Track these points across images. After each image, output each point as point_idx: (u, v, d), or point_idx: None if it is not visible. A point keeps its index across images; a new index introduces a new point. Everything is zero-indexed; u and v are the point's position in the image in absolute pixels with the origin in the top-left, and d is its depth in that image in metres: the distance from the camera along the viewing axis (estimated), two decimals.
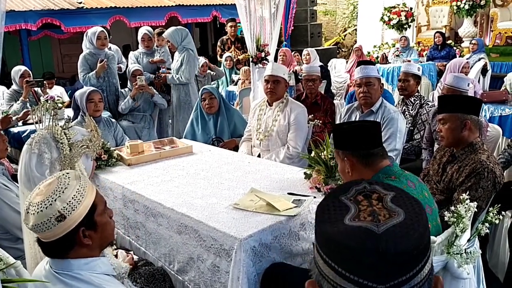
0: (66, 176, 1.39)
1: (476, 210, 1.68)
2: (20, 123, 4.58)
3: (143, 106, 4.84)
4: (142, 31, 5.42)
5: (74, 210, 1.32)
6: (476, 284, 1.85)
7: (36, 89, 4.84)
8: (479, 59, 7.07)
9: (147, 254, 2.43)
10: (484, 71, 6.92)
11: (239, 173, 2.70)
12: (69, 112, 4.18)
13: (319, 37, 11.34)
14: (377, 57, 9.19)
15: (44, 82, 5.36)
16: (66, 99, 6.18)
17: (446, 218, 1.65)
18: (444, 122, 2.39)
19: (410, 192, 1.66)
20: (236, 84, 6.69)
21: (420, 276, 0.69)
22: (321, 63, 6.95)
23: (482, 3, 8.79)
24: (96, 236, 1.39)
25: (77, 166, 1.89)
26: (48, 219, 1.29)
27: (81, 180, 1.40)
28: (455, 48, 8.67)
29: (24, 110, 4.55)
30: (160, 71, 5.28)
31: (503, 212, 1.71)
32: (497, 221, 1.68)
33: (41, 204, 1.31)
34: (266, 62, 4.78)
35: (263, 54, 4.84)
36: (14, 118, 4.53)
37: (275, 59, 5.99)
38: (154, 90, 4.90)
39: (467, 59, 6.48)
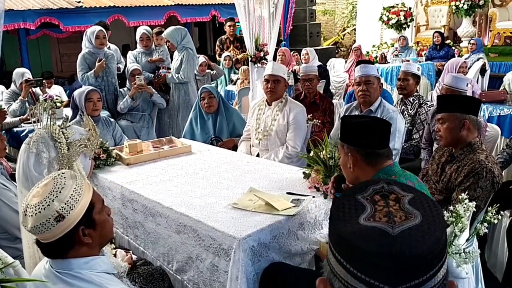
0: (61, 176, 1.39)
1: (474, 209, 1.68)
2: (22, 124, 4.57)
3: (142, 106, 4.83)
4: (140, 30, 5.42)
5: (72, 209, 1.32)
6: (474, 284, 1.85)
7: (34, 89, 4.83)
8: (478, 59, 7.08)
9: (146, 253, 2.43)
10: (482, 71, 6.93)
11: (238, 173, 2.70)
12: (68, 112, 4.18)
13: (318, 37, 11.35)
14: (376, 57, 9.19)
15: (44, 81, 5.35)
16: (65, 98, 6.17)
17: (445, 218, 1.65)
18: (443, 122, 2.40)
19: None
20: (235, 84, 6.68)
21: (434, 281, 0.68)
22: (320, 63, 6.96)
23: (481, 3, 8.80)
24: (96, 234, 1.39)
25: (75, 165, 1.89)
26: (46, 220, 1.29)
27: (77, 179, 1.40)
28: (454, 48, 8.68)
29: (28, 111, 4.54)
30: (160, 71, 5.27)
31: (501, 212, 1.71)
32: (495, 221, 1.68)
33: (38, 205, 1.30)
34: (265, 61, 4.78)
35: (262, 54, 4.84)
36: (17, 118, 4.52)
37: (274, 59, 5.99)
38: (153, 90, 4.90)
39: (465, 59, 6.48)
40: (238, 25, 6.49)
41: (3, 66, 9.94)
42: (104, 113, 4.32)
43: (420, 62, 7.61)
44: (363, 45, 9.19)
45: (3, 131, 4.36)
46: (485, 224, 1.67)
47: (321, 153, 2.39)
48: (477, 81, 6.57)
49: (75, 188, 1.36)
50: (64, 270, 1.34)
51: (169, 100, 5.28)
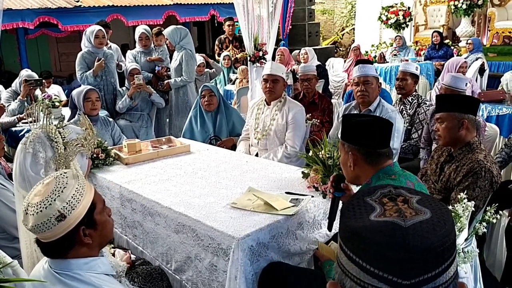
0: (64, 175, 1.38)
1: (473, 209, 1.68)
2: (20, 123, 4.56)
3: (141, 105, 4.83)
4: (139, 30, 5.41)
5: (74, 209, 1.32)
6: (473, 283, 1.85)
7: (33, 89, 4.82)
8: (477, 59, 7.08)
9: (145, 253, 2.43)
10: (481, 70, 6.94)
11: (237, 172, 2.69)
12: (67, 111, 4.17)
13: (317, 36, 11.34)
14: (374, 56, 9.20)
15: (44, 81, 5.34)
16: (64, 98, 6.17)
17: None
18: (442, 121, 2.40)
19: None
20: (233, 83, 6.68)
21: (445, 276, 0.68)
22: (319, 62, 6.96)
23: (480, 2, 8.81)
24: (96, 235, 1.39)
25: (72, 165, 1.88)
26: (48, 219, 1.29)
27: (79, 179, 1.40)
28: (452, 47, 8.69)
29: (25, 111, 4.53)
30: (156, 68, 5.27)
31: (500, 211, 1.71)
32: (494, 220, 1.69)
33: (40, 204, 1.30)
34: (264, 61, 4.77)
35: (261, 53, 4.84)
36: (14, 117, 4.51)
37: (273, 58, 5.99)
38: (152, 89, 4.89)
39: (464, 58, 6.48)
40: (237, 25, 6.49)
41: (2, 66, 9.94)
42: (103, 113, 4.31)
43: (419, 61, 7.62)
44: (362, 45, 9.19)
45: (1, 131, 4.36)
46: (484, 223, 1.67)
47: (320, 152, 2.38)
48: (476, 81, 6.57)
49: (77, 188, 1.35)
50: (63, 271, 1.33)
51: (168, 100, 5.28)
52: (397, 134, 3.05)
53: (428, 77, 7.61)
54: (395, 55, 8.23)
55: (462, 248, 1.61)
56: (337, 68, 8.38)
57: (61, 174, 1.39)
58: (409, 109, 3.77)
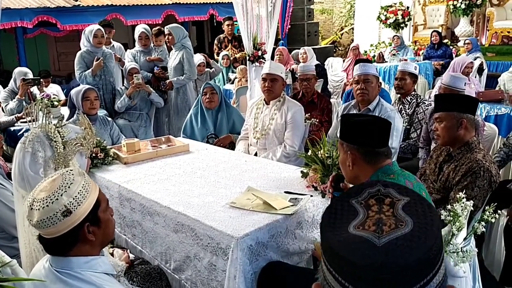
0: (70, 172, 1.39)
1: (472, 209, 1.68)
2: (18, 122, 4.55)
3: (140, 105, 4.82)
4: (139, 29, 5.41)
5: (80, 205, 1.32)
6: (472, 283, 1.86)
7: (31, 89, 4.81)
8: (475, 58, 7.09)
9: (144, 252, 2.43)
10: (480, 70, 6.95)
11: (236, 172, 2.69)
12: (65, 111, 4.17)
13: (316, 36, 11.34)
14: (373, 56, 9.20)
15: (41, 80, 5.33)
16: (62, 97, 6.16)
17: (442, 217, 1.66)
18: (440, 121, 2.40)
19: None
20: (232, 83, 6.68)
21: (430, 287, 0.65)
22: (317, 62, 6.95)
23: (479, 2, 8.81)
24: (99, 233, 1.39)
25: (72, 164, 1.89)
26: (54, 214, 1.29)
27: (85, 176, 1.41)
28: (451, 47, 8.70)
29: (24, 110, 4.53)
30: (155, 69, 5.27)
31: (499, 211, 1.71)
32: (493, 220, 1.69)
33: (46, 199, 1.30)
34: (263, 60, 4.77)
35: (260, 53, 4.84)
36: (12, 117, 4.51)
37: (272, 58, 5.98)
38: (151, 89, 4.89)
39: None
40: (236, 24, 6.48)
41: (1, 65, 9.91)
42: (102, 112, 4.31)
43: (417, 61, 7.62)
44: (361, 44, 9.19)
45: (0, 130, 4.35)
46: (483, 223, 1.67)
47: (319, 152, 2.39)
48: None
49: (83, 185, 1.36)
50: (63, 270, 1.33)
51: (167, 99, 5.28)
52: (396, 133, 3.05)
53: (427, 76, 7.61)
54: (394, 54, 8.24)
55: (461, 248, 1.61)
56: (336, 68, 8.38)
57: (67, 171, 1.40)
58: (408, 109, 3.77)
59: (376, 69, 3.43)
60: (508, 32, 8.85)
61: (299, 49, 7.49)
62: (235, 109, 4.13)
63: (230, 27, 7.23)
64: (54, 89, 6.42)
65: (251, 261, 1.87)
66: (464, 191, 1.81)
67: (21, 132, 4.30)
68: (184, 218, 2.08)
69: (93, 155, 2.84)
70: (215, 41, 7.43)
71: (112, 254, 2.10)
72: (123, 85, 4.94)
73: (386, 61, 8.21)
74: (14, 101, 4.62)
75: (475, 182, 2.23)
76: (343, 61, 8.51)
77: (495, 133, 3.65)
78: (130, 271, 2.03)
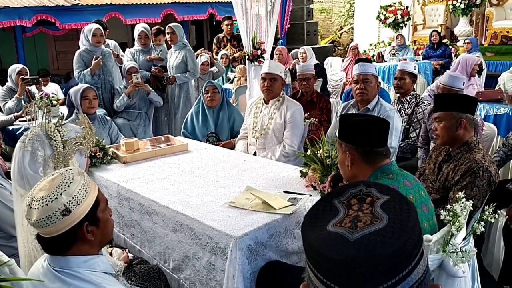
0: (69, 172, 1.39)
1: (471, 208, 1.68)
2: (17, 121, 4.54)
3: (139, 104, 4.82)
4: (138, 28, 5.40)
5: (79, 204, 1.32)
6: (471, 282, 1.86)
7: (29, 87, 4.81)
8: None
9: (142, 252, 2.42)
10: (479, 70, 6.95)
11: (235, 171, 2.69)
12: (64, 110, 4.16)
13: (315, 35, 11.33)
14: (373, 56, 9.19)
15: (40, 79, 5.32)
16: (61, 96, 6.14)
17: (442, 217, 1.66)
18: (440, 121, 2.40)
19: (407, 191, 1.66)
20: (231, 82, 6.67)
21: (406, 284, 0.66)
22: (317, 61, 6.95)
23: (478, 2, 8.81)
24: (98, 233, 1.39)
25: (71, 163, 1.88)
26: (53, 213, 1.28)
27: (84, 176, 1.41)
28: (450, 47, 8.70)
29: (23, 109, 4.52)
30: (152, 68, 5.27)
31: (498, 211, 1.71)
32: (492, 220, 1.69)
33: (45, 198, 1.30)
34: (262, 60, 4.76)
35: (259, 52, 4.83)
36: (11, 116, 4.50)
37: (271, 57, 5.98)
38: (150, 88, 4.89)
39: None
40: (235, 24, 6.47)
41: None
42: (101, 111, 4.30)
43: (417, 61, 7.62)
44: (361, 44, 9.18)
45: None
46: (482, 223, 1.67)
47: (318, 151, 2.38)
48: None
49: (83, 184, 1.36)
50: (62, 269, 1.33)
51: (167, 99, 5.29)
52: (395, 133, 3.05)
53: (426, 76, 7.62)
54: (393, 54, 8.24)
55: (460, 248, 1.61)
56: (335, 67, 8.38)
57: (66, 170, 1.40)
58: (407, 108, 3.77)
59: (376, 68, 3.43)
60: (507, 32, 8.85)
61: (298, 48, 7.49)
62: (236, 108, 4.14)
63: (229, 26, 7.23)
64: (53, 88, 6.40)
65: (250, 261, 1.87)
66: (463, 191, 1.81)
67: (19, 131, 4.29)
68: (183, 217, 2.07)
69: (92, 154, 2.84)
70: (214, 41, 7.43)
71: (110, 254, 2.10)
72: (122, 84, 4.94)
73: (386, 61, 8.21)
74: (12, 100, 4.61)
75: (474, 182, 2.23)
76: (343, 60, 8.51)
77: (494, 132, 3.65)
78: (128, 271, 2.03)
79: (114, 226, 2.58)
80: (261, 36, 4.83)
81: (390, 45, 9.30)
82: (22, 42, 8.50)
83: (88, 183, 1.39)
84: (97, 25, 4.78)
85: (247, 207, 2.08)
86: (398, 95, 3.94)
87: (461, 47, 8.60)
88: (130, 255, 2.23)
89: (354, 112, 3.29)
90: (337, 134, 1.95)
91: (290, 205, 2.09)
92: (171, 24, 5.19)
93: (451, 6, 9.10)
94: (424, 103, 3.74)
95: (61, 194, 1.31)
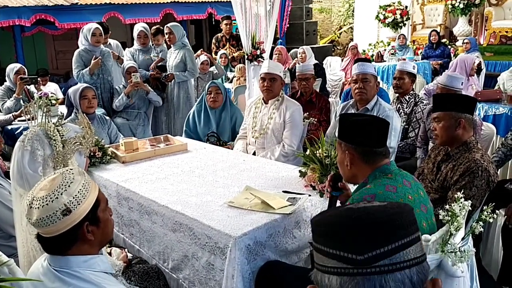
0: (70, 171, 1.39)
1: (470, 208, 1.68)
2: (16, 121, 4.54)
3: (138, 104, 4.82)
4: (138, 28, 5.40)
5: (79, 204, 1.32)
6: (469, 282, 1.86)
7: (28, 87, 4.80)
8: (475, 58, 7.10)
9: (141, 252, 2.42)
10: (478, 70, 6.95)
11: (234, 171, 2.69)
12: (63, 109, 4.16)
13: (314, 35, 11.33)
14: (372, 55, 9.20)
15: (38, 79, 5.31)
16: (60, 96, 6.13)
17: (440, 217, 1.66)
18: (439, 121, 2.40)
19: (406, 191, 1.67)
20: (231, 82, 6.67)
21: (403, 256, 0.72)
22: (316, 61, 6.95)
23: (477, 2, 8.81)
24: (98, 232, 1.39)
25: (70, 163, 1.88)
26: (53, 213, 1.28)
27: (85, 175, 1.41)
28: (449, 47, 8.70)
29: (22, 108, 4.51)
30: (151, 67, 5.27)
31: (496, 211, 1.71)
32: (491, 220, 1.69)
33: (46, 198, 1.30)
34: (262, 59, 4.77)
35: (258, 52, 4.83)
36: (9, 115, 4.49)
37: (271, 57, 5.98)
38: (149, 88, 4.89)
39: None
40: (234, 23, 6.47)
41: None
42: (100, 111, 4.30)
43: (416, 60, 7.63)
44: (361, 44, 9.18)
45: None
46: (481, 223, 1.67)
47: (317, 151, 2.38)
48: None
49: (83, 184, 1.36)
50: (62, 268, 1.33)
51: (167, 98, 5.28)
52: (394, 133, 3.05)
53: (425, 76, 7.63)
54: (392, 54, 8.24)
55: (459, 248, 1.61)
56: (334, 67, 8.38)
57: (67, 170, 1.40)
58: (406, 108, 3.78)
59: (375, 68, 3.43)
60: (506, 32, 8.86)
61: (297, 48, 7.49)
62: (238, 108, 4.13)
63: (228, 26, 7.22)
64: (52, 88, 6.39)
65: (249, 261, 1.87)
66: (462, 191, 1.81)
67: (18, 131, 4.29)
68: (182, 217, 2.07)
69: (91, 154, 2.84)
70: (213, 40, 7.43)
71: (110, 253, 2.10)
72: (121, 83, 4.94)
73: (385, 61, 8.21)
74: (11, 99, 4.60)
75: (473, 182, 2.23)
76: (342, 60, 8.51)
77: (493, 132, 3.65)
78: (128, 270, 2.03)
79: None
80: (261, 35, 4.84)
81: (389, 45, 9.29)
82: (21, 41, 8.48)
83: (88, 183, 1.39)
84: (96, 25, 4.77)
85: (246, 207, 2.08)
86: (397, 95, 3.94)
87: (460, 47, 8.61)
88: (129, 255, 2.23)
89: (353, 112, 3.30)
90: (336, 134, 1.95)
91: (289, 205, 2.09)
92: (169, 24, 5.18)
93: (450, 6, 9.10)
94: (423, 102, 3.74)
95: (61, 194, 1.31)
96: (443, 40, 8.90)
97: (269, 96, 3.38)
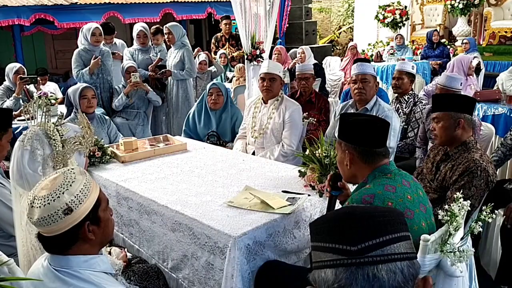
0: (71, 171, 1.39)
1: (469, 208, 1.69)
2: (15, 120, 4.53)
3: (137, 103, 4.82)
4: (137, 27, 5.39)
5: (81, 203, 1.33)
6: (468, 282, 1.86)
7: (27, 86, 4.80)
8: (473, 58, 7.10)
9: (141, 251, 2.43)
10: (477, 70, 6.96)
11: (234, 171, 2.69)
12: (62, 109, 4.15)
13: (314, 35, 11.33)
14: (371, 55, 9.20)
15: (38, 78, 5.31)
16: (60, 95, 6.13)
17: (439, 217, 1.66)
18: (438, 121, 2.40)
19: (405, 191, 1.67)
20: (230, 82, 6.67)
21: (393, 249, 0.77)
22: (315, 61, 6.95)
23: (476, 2, 8.82)
24: (99, 232, 1.39)
25: (70, 162, 1.88)
26: (55, 212, 1.29)
27: (86, 175, 1.41)
28: (449, 47, 8.71)
29: (21, 108, 4.51)
30: (150, 68, 5.27)
31: (495, 211, 1.72)
32: (490, 220, 1.69)
33: (48, 197, 1.30)
34: (261, 59, 4.77)
35: (257, 52, 4.83)
36: None
37: (270, 57, 5.98)
38: (149, 87, 4.88)
39: None
40: (234, 23, 6.47)
41: None
42: (99, 111, 4.30)
43: (415, 60, 7.63)
44: (360, 44, 9.18)
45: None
46: (480, 223, 1.68)
47: (317, 151, 2.39)
48: None
49: (85, 183, 1.37)
50: (62, 268, 1.33)
51: (166, 98, 5.28)
52: (393, 133, 3.06)
53: (424, 76, 7.63)
54: (391, 54, 8.24)
55: (458, 248, 1.62)
56: (334, 67, 8.38)
57: (68, 170, 1.40)
58: (405, 108, 3.78)
59: (374, 68, 3.43)
60: (506, 32, 8.87)
61: (297, 48, 7.49)
62: (238, 108, 4.13)
63: (227, 26, 7.22)
64: (51, 87, 6.39)
65: (249, 260, 1.87)
66: (461, 191, 1.81)
67: (18, 130, 4.28)
68: (182, 217, 2.08)
69: (91, 153, 2.84)
70: (213, 40, 7.43)
71: (109, 253, 2.10)
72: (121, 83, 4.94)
73: (384, 61, 8.22)
74: (11, 99, 4.60)
75: (472, 182, 2.24)
76: (341, 60, 8.51)
77: (492, 132, 3.66)
78: (127, 270, 2.03)
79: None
80: (260, 35, 4.84)
81: (388, 45, 9.30)
82: (20, 41, 8.48)
83: (90, 182, 1.39)
84: (96, 24, 4.77)
85: (246, 207, 2.08)
86: (396, 95, 3.95)
87: (459, 47, 8.61)
88: (129, 254, 2.23)
89: (352, 112, 3.30)
90: (335, 134, 1.96)
91: (289, 204, 2.09)
92: (168, 25, 5.17)
93: (449, 6, 9.11)
94: (422, 102, 3.74)
95: (63, 193, 1.31)
96: (443, 40, 8.91)
97: (268, 96, 3.38)
